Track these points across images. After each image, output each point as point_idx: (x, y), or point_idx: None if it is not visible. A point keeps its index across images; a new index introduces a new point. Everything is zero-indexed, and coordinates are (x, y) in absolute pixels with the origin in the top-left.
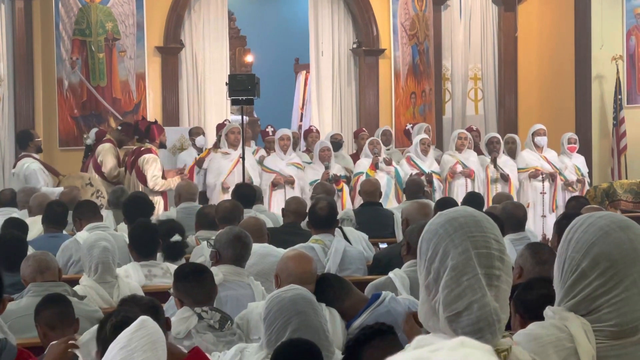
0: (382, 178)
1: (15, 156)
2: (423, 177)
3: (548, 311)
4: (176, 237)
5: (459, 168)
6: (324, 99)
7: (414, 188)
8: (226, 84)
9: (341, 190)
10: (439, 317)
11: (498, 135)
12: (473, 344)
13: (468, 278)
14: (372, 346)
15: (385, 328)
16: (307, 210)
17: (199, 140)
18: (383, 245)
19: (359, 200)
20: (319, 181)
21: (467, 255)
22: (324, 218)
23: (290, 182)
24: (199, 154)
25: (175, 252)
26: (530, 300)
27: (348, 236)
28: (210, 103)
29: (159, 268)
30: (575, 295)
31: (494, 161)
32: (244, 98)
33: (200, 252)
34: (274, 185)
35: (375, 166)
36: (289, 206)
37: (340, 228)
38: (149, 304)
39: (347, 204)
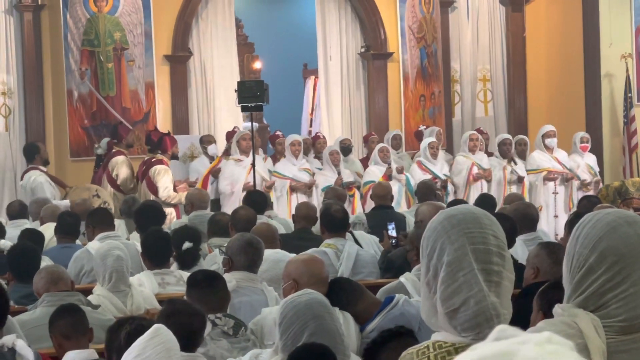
0: (394, 185)
1: None
2: (438, 183)
3: (557, 308)
4: (187, 245)
5: (475, 170)
6: (333, 104)
7: (426, 190)
8: (235, 90)
9: (352, 195)
10: (438, 314)
11: (510, 137)
12: (559, 340)
13: (464, 274)
14: (389, 348)
15: (404, 330)
16: (317, 215)
17: (211, 148)
18: (391, 228)
19: (369, 207)
20: (331, 186)
21: (463, 251)
22: (339, 221)
23: (310, 185)
24: (211, 162)
25: (187, 260)
26: (558, 300)
27: (359, 240)
28: (220, 110)
29: (172, 276)
30: (584, 291)
31: (511, 162)
32: (253, 104)
33: (213, 260)
34: (293, 190)
35: (388, 177)
36: (299, 212)
37: (351, 232)
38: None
39: (357, 209)
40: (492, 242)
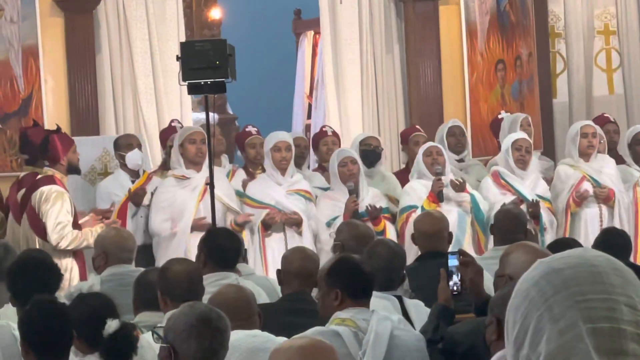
0: (450, 213)
1: None
2: (524, 207)
3: None
4: (113, 325)
5: (586, 187)
6: (346, 78)
7: (509, 225)
8: (177, 58)
9: (383, 232)
10: None
11: None
12: None
13: None
14: None
15: None
16: (319, 268)
17: (132, 157)
18: (452, 263)
19: (411, 252)
20: (337, 218)
21: (574, 334)
22: (367, 280)
23: (296, 222)
24: (133, 181)
25: (119, 349)
26: None
27: (411, 313)
28: (153, 93)
29: None
30: None
31: None
32: (209, 82)
33: (144, 350)
34: (266, 227)
35: (438, 197)
36: (290, 264)
37: (400, 298)
38: None
39: None
40: (625, 318)
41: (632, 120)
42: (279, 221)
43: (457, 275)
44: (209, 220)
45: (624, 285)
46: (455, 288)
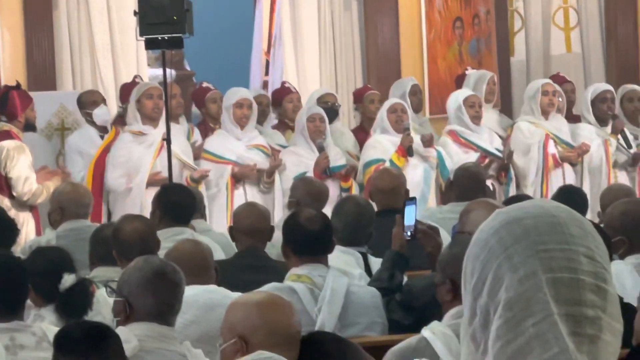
0: (417, 168)
1: None
2: (486, 163)
3: None
4: (70, 279)
5: (553, 147)
6: (303, 35)
7: (468, 183)
8: (135, 13)
9: (348, 190)
10: None
11: (611, 88)
12: None
13: (535, 322)
14: None
15: None
16: (271, 225)
17: (99, 113)
18: (409, 209)
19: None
20: (306, 174)
21: (533, 283)
22: (315, 236)
23: (271, 170)
24: (102, 136)
25: (75, 303)
26: None
27: (374, 271)
28: (112, 48)
29: (29, 333)
30: None
31: (616, 129)
32: (166, 37)
33: (99, 305)
34: (236, 179)
35: (407, 151)
36: (240, 222)
37: (364, 254)
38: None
39: None
40: (584, 268)
41: (590, 79)
42: (253, 174)
43: (413, 219)
44: (164, 174)
45: (583, 236)
46: (409, 233)
